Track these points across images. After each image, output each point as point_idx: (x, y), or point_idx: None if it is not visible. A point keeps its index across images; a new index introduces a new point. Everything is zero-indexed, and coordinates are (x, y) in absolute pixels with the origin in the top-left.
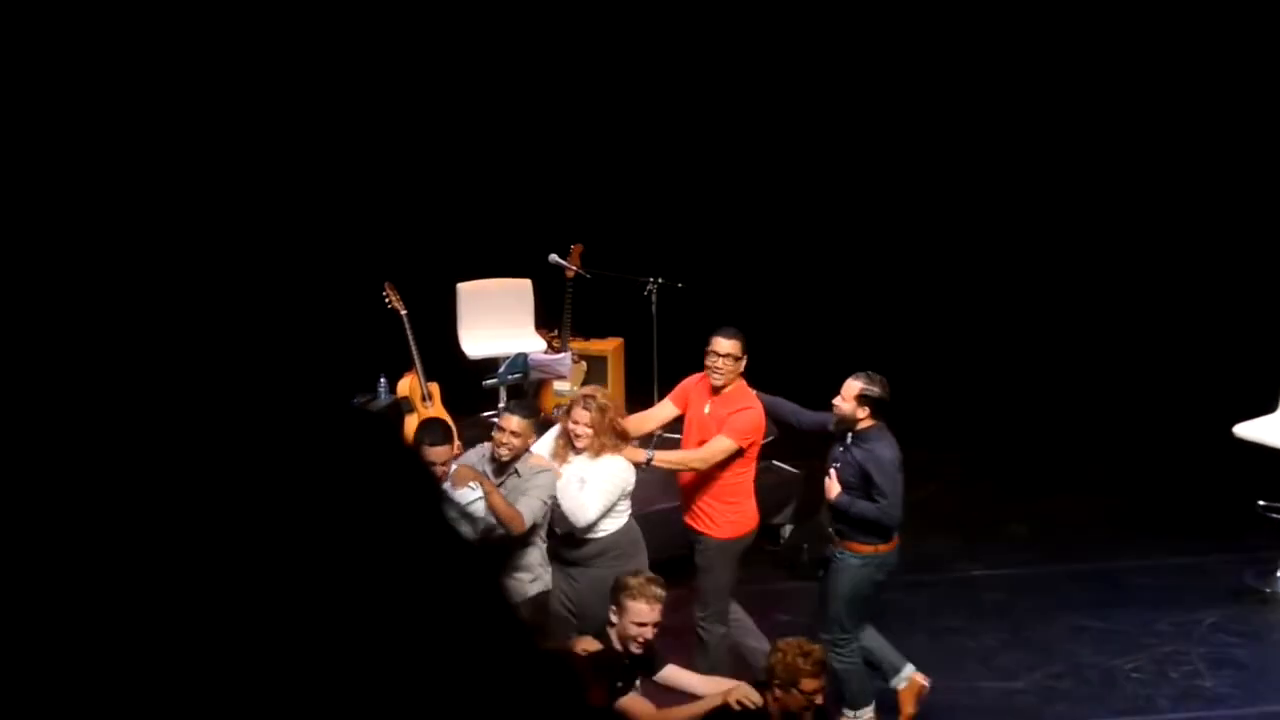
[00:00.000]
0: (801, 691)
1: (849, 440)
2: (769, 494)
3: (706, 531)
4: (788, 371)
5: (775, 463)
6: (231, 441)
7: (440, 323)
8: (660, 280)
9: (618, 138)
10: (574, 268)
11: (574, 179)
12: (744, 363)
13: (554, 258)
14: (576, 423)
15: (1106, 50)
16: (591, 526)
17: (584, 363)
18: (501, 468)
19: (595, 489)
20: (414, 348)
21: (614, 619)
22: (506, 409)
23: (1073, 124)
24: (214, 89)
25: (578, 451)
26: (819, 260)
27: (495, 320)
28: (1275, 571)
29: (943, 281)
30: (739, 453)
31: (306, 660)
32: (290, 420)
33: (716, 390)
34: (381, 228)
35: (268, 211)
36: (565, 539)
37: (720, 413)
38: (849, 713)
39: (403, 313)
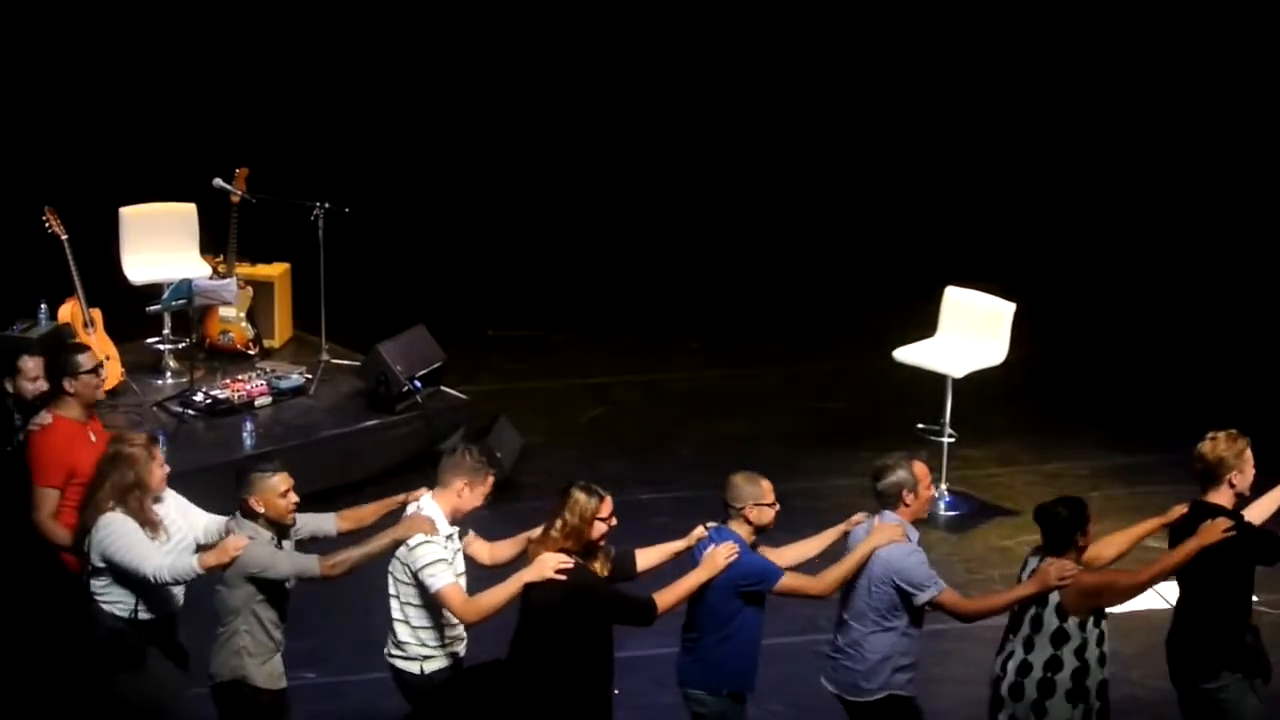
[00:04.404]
0: None
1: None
2: (438, 419)
3: None
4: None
5: (444, 388)
6: None
7: (102, 248)
8: (327, 205)
9: (283, 60)
10: (239, 192)
11: (239, 102)
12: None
13: (219, 182)
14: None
15: None
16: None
17: (250, 288)
18: None
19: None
20: (75, 273)
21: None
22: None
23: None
24: None
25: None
26: (482, 186)
27: (159, 245)
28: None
29: (585, 196)
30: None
31: None
32: None
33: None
34: (41, 150)
35: None
36: None
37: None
38: None
39: (63, 237)
